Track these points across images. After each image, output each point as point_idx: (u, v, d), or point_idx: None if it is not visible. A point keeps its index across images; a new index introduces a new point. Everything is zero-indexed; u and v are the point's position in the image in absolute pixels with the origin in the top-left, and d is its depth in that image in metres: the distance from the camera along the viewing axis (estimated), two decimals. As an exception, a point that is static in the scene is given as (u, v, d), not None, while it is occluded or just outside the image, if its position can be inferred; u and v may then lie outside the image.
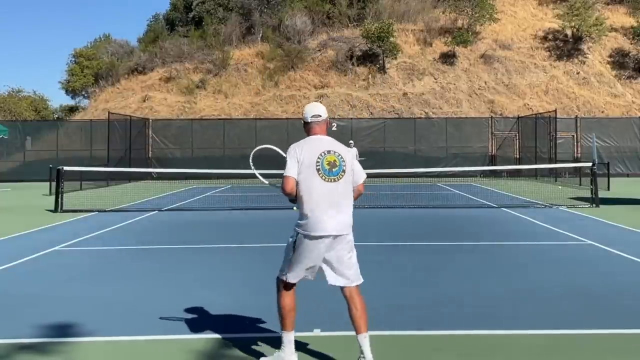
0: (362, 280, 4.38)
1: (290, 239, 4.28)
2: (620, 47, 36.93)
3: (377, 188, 21.32)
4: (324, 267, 4.25)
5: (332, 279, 4.25)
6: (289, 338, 4.32)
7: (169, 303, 6.06)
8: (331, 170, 4.18)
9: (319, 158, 4.18)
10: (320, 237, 4.13)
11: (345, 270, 4.24)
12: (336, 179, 4.18)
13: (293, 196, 4.23)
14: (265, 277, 7.36)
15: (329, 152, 4.22)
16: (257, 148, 5.15)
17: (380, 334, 5.02)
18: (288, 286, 4.36)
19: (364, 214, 14.10)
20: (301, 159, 4.20)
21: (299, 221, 4.21)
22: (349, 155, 4.32)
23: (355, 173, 4.34)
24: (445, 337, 4.95)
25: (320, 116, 4.36)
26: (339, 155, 4.24)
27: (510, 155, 30.02)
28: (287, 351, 4.31)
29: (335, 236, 4.16)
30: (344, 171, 4.21)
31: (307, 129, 4.40)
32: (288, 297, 4.35)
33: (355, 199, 4.39)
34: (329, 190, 4.16)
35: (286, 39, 37.29)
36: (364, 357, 4.15)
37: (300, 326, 5.19)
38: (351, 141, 25.54)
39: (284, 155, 4.36)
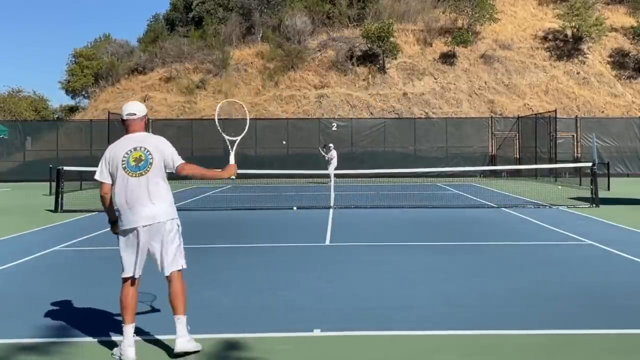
0: (180, 267, 4.57)
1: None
2: (620, 47, 36.93)
3: (377, 188, 21.32)
4: (153, 258, 4.50)
5: (160, 267, 4.51)
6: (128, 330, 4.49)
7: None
8: (137, 165, 4.44)
9: (125, 155, 4.46)
10: (133, 229, 4.41)
11: (165, 256, 4.47)
12: (143, 173, 4.44)
13: (107, 198, 4.56)
14: (265, 277, 7.37)
15: (135, 148, 4.48)
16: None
17: (380, 334, 5.03)
18: (130, 281, 4.57)
19: (364, 214, 14.11)
20: (110, 161, 4.51)
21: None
22: (163, 146, 4.58)
23: (169, 161, 4.57)
24: (445, 337, 4.95)
25: (135, 114, 4.58)
26: (146, 150, 4.49)
27: (510, 155, 30.03)
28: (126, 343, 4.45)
29: (148, 225, 4.40)
30: (150, 164, 4.46)
31: (124, 127, 4.62)
32: (129, 291, 4.56)
33: (192, 174, 4.74)
34: (136, 184, 4.42)
35: (286, 39, 37.29)
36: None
37: (300, 326, 5.19)
38: (331, 144, 25.31)
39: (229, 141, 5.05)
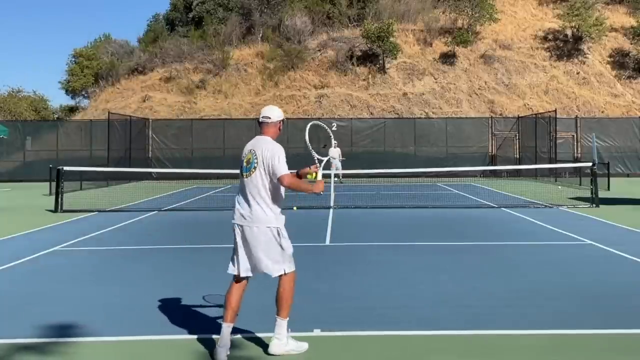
0: (279, 272, 4.61)
1: None
2: (620, 47, 36.92)
3: (377, 188, 21.32)
4: (248, 259, 4.58)
5: (251, 269, 4.61)
6: (224, 330, 4.55)
7: (169, 303, 6.06)
8: (247, 166, 4.65)
9: (244, 155, 4.73)
10: (235, 224, 4.60)
11: (255, 261, 4.56)
12: (248, 175, 4.62)
13: (293, 183, 4.60)
14: (265, 277, 7.35)
15: (250, 150, 4.69)
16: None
17: (380, 334, 5.03)
18: (235, 279, 4.66)
19: (364, 214, 14.11)
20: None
21: None
22: (268, 153, 4.55)
23: (270, 169, 4.54)
24: (445, 337, 4.95)
25: (270, 118, 4.73)
26: (255, 153, 4.63)
27: (510, 155, 30.01)
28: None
29: (241, 226, 4.55)
30: (255, 167, 4.59)
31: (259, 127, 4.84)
32: (232, 289, 4.66)
33: (289, 185, 4.52)
34: (244, 184, 4.63)
35: (286, 39, 37.28)
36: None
37: (300, 326, 5.19)
38: (335, 142, 25.40)
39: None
